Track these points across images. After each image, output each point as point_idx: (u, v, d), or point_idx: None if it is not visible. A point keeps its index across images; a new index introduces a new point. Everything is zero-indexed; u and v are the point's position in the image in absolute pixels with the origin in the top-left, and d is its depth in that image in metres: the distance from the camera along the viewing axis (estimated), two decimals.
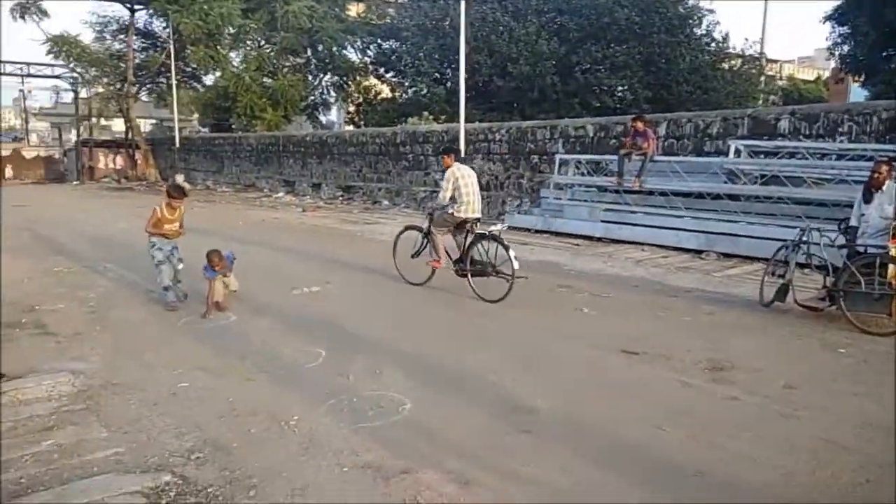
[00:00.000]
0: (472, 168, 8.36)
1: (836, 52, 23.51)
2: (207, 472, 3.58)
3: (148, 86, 35.37)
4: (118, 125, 41.83)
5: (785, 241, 7.50)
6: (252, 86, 29.37)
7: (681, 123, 13.55)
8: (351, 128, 32.80)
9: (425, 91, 27.69)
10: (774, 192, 10.58)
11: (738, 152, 11.82)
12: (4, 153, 35.18)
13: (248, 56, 31.37)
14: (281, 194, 24.57)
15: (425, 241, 8.41)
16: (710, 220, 11.09)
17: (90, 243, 12.01)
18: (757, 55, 29.34)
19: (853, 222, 6.99)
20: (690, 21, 26.48)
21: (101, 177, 34.46)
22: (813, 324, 6.61)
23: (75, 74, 33.73)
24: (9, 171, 34.45)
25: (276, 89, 29.97)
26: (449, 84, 27.06)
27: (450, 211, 7.96)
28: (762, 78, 31.06)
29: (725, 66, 27.67)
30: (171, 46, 28.46)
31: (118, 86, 33.46)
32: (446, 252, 8.14)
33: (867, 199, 6.86)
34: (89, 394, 4.69)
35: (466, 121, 18.10)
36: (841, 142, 11.06)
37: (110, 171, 35.10)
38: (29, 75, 35.72)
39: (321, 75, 33.66)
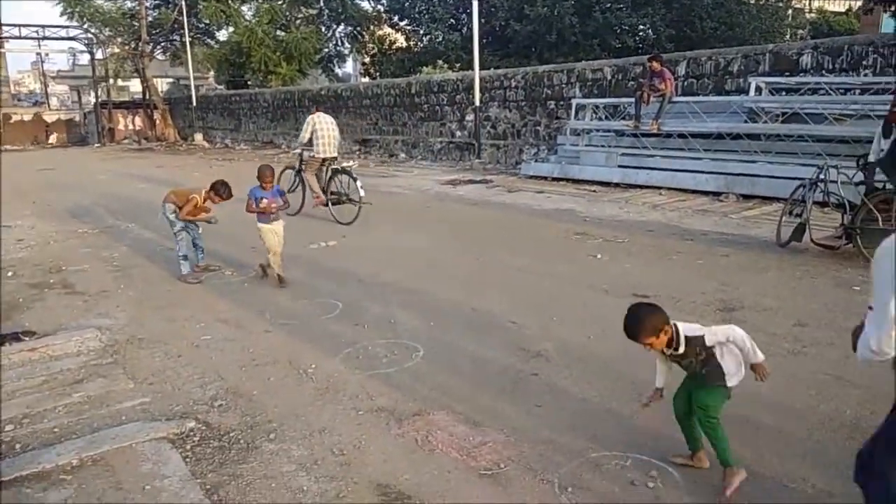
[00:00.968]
0: (333, 117, 10.61)
1: None
2: (229, 418, 3.76)
3: (162, 44, 35.30)
4: (136, 86, 41.88)
5: (803, 179, 7.40)
6: (265, 40, 29.14)
7: (700, 62, 13.23)
8: (366, 80, 32.49)
9: (441, 38, 27.23)
10: (795, 130, 10.36)
11: (758, 90, 11.56)
12: (26, 118, 35.59)
13: (259, 9, 31.00)
14: (298, 150, 24.60)
15: (297, 178, 10.38)
16: (729, 161, 10.93)
17: (112, 204, 12.25)
18: None
19: (872, 158, 6.85)
20: None
21: (122, 138, 34.76)
22: (829, 262, 6.57)
23: (90, 35, 33.71)
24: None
25: (290, 42, 29.70)
26: (465, 30, 26.54)
27: (311, 154, 9.84)
28: (789, 11, 29.94)
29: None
30: (183, 2, 28.22)
31: (133, 45, 33.42)
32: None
33: (886, 133, 6.68)
34: (116, 348, 4.89)
35: (482, 68, 17.88)
36: (865, 76, 10.74)
37: (130, 133, 35.38)
38: (45, 38, 35.75)
39: (334, 26, 33.23)
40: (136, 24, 32.41)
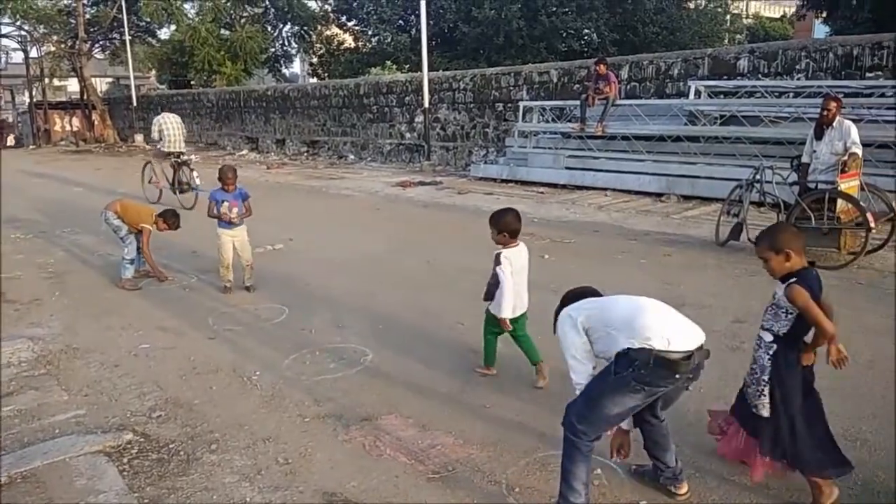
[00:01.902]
0: (177, 115, 12.17)
1: None
2: (169, 429, 3.64)
3: (101, 42, 34.08)
4: (73, 85, 40.37)
5: (741, 180, 7.64)
6: (209, 38, 28.48)
7: (643, 66, 13.53)
8: (314, 80, 32.13)
9: (389, 40, 27.13)
10: (733, 133, 10.70)
11: (697, 93, 11.90)
12: None
13: (203, 7, 30.29)
14: (244, 152, 24.16)
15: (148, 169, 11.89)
16: (670, 162, 11.21)
17: (48, 208, 11.77)
18: None
19: (805, 159, 7.13)
20: None
21: (58, 140, 33.38)
22: None
23: (23, 33, 32.32)
24: None
25: (234, 41, 29.10)
26: (413, 32, 26.50)
27: (160, 148, 11.44)
28: (727, 17, 30.96)
29: (691, 5, 27.50)
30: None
31: (69, 43, 32.18)
32: (165, 177, 11.49)
33: (818, 135, 6.99)
34: (49, 358, 4.69)
35: (431, 69, 17.87)
36: (798, 79, 11.18)
37: (67, 134, 34.00)
38: None
39: (281, 25, 32.75)
40: (73, 21, 31.22)
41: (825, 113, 6.83)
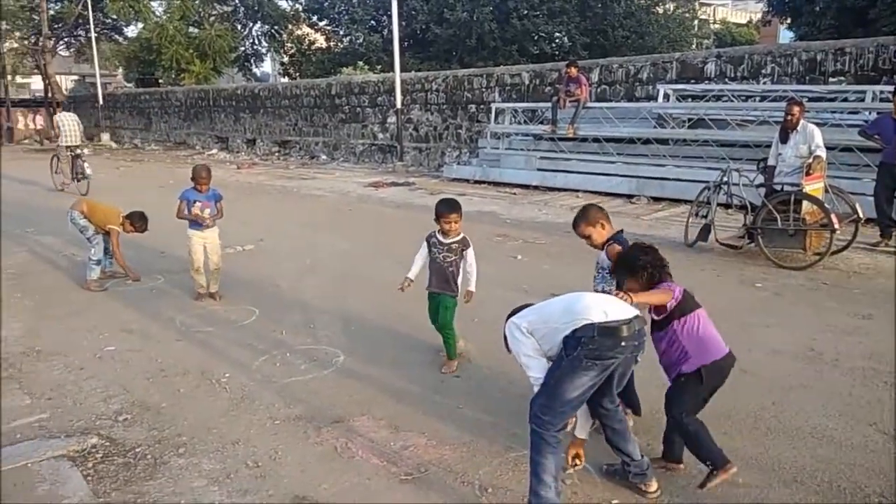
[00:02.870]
0: (74, 113, 14.51)
1: None
2: (135, 433, 3.56)
3: (65, 39, 33.37)
4: (37, 83, 39.43)
5: (708, 182, 7.76)
6: (177, 36, 28.08)
7: (612, 69, 13.68)
8: (285, 80, 31.84)
9: (361, 40, 27.05)
10: (700, 136, 10.87)
11: (666, 97, 12.06)
12: None
13: (170, 5, 29.83)
14: (214, 151, 23.84)
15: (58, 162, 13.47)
16: (640, 164, 11.34)
17: (10, 209, 11.45)
18: None
19: (771, 162, 7.27)
20: None
21: (22, 138, 32.53)
22: (733, 261, 6.92)
23: None
24: None
25: (203, 40, 28.73)
26: (385, 32, 26.48)
27: (59, 143, 13.11)
28: (695, 22, 31.49)
29: (659, 10, 27.91)
30: None
31: (33, 40, 31.43)
32: (66, 170, 13.12)
33: (783, 139, 7.13)
34: (10, 361, 4.55)
35: (403, 70, 17.85)
36: (764, 83, 11.40)
37: (31, 133, 33.16)
38: None
39: (250, 24, 32.41)
40: (37, 17, 30.50)
41: (789, 117, 6.97)
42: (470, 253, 4.38)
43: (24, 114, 33.66)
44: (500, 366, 4.26)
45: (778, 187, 7.03)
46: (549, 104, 12.79)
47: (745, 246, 7.08)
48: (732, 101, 11.28)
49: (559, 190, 12.01)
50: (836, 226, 6.41)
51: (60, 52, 34.39)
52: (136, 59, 31.33)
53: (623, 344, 2.70)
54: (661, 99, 12.06)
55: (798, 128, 6.95)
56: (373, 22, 27.88)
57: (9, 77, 34.98)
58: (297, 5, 31.52)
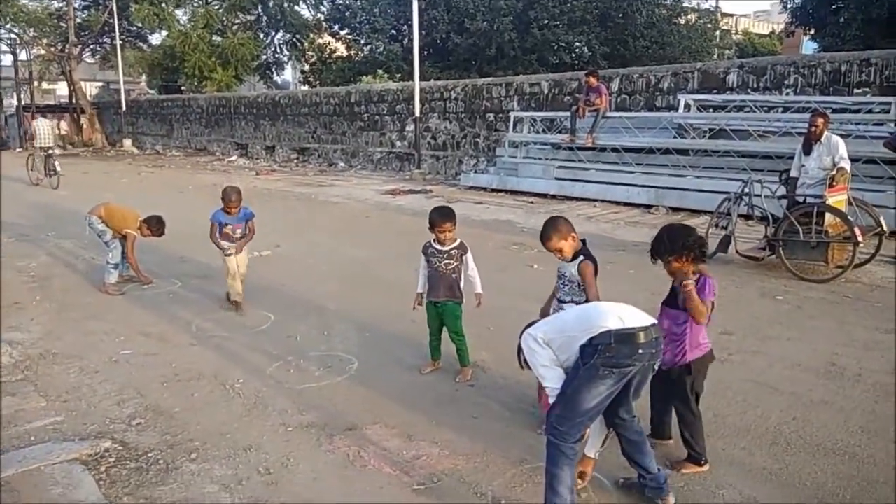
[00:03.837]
0: (50, 120, 16.59)
1: (788, 5, 23.73)
2: (148, 438, 3.56)
3: (91, 46, 33.93)
4: (62, 89, 40.11)
5: (729, 193, 7.65)
6: (200, 44, 28.43)
7: (633, 79, 13.60)
8: (305, 88, 32.09)
9: (381, 49, 27.19)
10: (721, 146, 10.75)
11: (687, 106, 11.95)
12: None
13: (195, 13, 30.25)
14: (234, 157, 24.06)
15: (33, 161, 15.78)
16: (659, 174, 11.24)
17: (31, 212, 11.63)
18: (712, 9, 29.48)
19: (793, 173, 7.16)
20: None
21: None
22: (753, 273, 6.81)
23: (13, 36, 32.10)
24: None
25: (226, 48, 29.05)
26: (406, 41, 26.60)
27: (34, 143, 15.34)
28: (717, 33, 31.28)
29: (681, 20, 27.77)
30: (114, 4, 27.26)
31: (59, 47, 32.01)
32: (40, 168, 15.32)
33: (807, 150, 7.02)
34: (27, 364, 4.59)
35: (423, 79, 17.91)
36: (787, 94, 11.26)
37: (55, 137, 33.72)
38: None
39: (273, 33, 32.73)
40: (64, 25, 31.06)
41: (812, 129, 6.86)
42: (469, 257, 4.36)
43: (49, 119, 34.20)
44: (514, 375, 4.20)
45: (800, 199, 6.92)
46: (568, 113, 12.75)
47: (766, 258, 6.97)
48: (754, 111, 11.15)
49: (577, 199, 11.93)
50: (860, 238, 6.29)
51: (86, 59, 34.96)
52: (159, 66, 31.77)
53: (640, 351, 2.66)
54: (681, 109, 11.96)
55: (822, 139, 6.84)
56: (393, 31, 28.03)
57: (35, 83, 35.67)
58: (320, 14, 31.80)
